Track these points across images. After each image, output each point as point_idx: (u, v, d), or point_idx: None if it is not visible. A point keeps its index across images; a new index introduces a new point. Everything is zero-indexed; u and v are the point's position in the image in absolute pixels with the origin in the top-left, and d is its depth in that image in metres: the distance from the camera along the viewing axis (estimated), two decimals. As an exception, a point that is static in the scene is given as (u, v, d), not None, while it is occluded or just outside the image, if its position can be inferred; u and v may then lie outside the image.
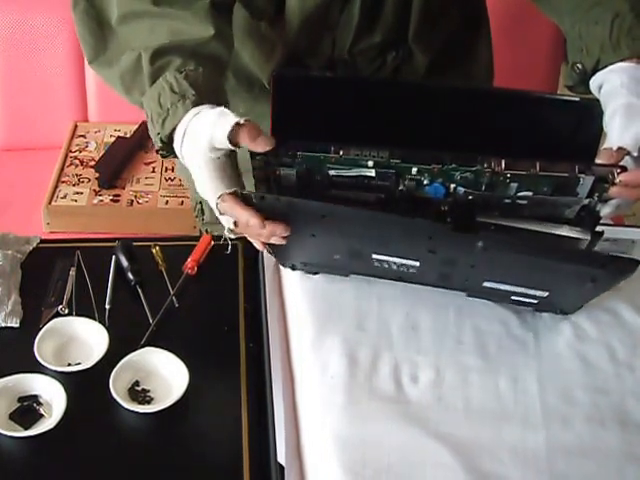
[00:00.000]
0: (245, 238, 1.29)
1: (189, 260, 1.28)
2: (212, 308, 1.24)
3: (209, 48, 1.12)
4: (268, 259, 1.28)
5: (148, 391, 1.09)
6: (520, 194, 1.03)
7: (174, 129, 1.05)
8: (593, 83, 1.12)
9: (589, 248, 1.06)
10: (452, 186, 1.03)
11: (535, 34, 2.01)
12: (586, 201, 1.04)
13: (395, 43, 1.30)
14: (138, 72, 1.10)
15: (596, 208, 1.05)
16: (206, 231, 1.58)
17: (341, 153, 1.02)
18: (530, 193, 1.03)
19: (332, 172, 1.04)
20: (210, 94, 1.06)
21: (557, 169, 1.00)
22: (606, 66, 1.10)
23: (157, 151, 1.10)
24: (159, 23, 1.12)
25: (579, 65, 1.13)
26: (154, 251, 1.31)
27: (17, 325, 1.18)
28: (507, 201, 1.04)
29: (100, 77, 1.20)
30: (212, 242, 1.32)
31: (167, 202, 1.82)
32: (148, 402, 1.08)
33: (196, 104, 1.04)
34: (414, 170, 1.02)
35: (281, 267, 1.27)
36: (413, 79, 1.33)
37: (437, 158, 1.01)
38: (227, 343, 1.17)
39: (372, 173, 1.03)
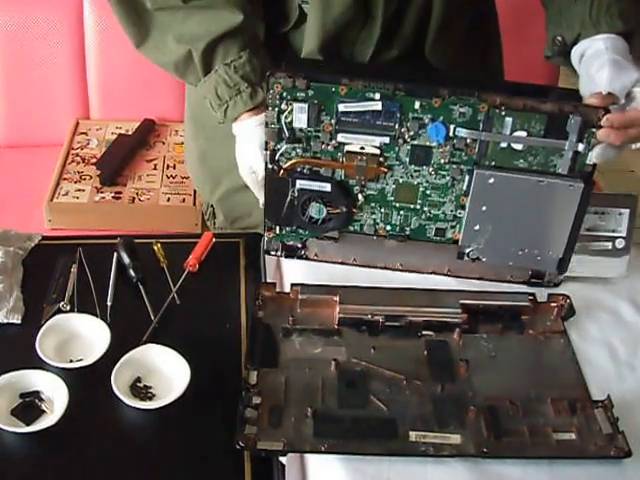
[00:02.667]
0: (246, 235, 1.30)
1: (190, 257, 1.28)
2: (213, 305, 1.24)
3: (244, 30, 1.23)
4: (269, 256, 1.28)
5: (150, 387, 1.09)
6: (515, 134, 1.10)
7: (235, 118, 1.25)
8: (575, 52, 1.19)
9: (583, 199, 1.14)
10: (452, 127, 1.11)
11: (536, 30, 2.00)
12: (577, 146, 1.10)
13: (411, 56, 1.30)
14: (190, 63, 1.25)
15: (586, 160, 1.12)
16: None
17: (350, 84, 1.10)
18: (524, 134, 1.10)
19: (341, 107, 1.11)
20: (259, 78, 1.23)
21: (545, 108, 1.09)
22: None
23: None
24: (190, 16, 1.23)
25: (559, 38, 1.21)
26: (156, 248, 1.31)
27: (19, 321, 1.18)
28: (503, 146, 1.12)
29: (151, 61, 1.30)
30: (214, 239, 1.32)
31: (169, 199, 1.82)
32: (150, 398, 1.08)
33: (251, 96, 1.23)
34: (417, 104, 1.10)
35: (283, 264, 1.28)
36: (407, 66, 1.34)
37: (437, 92, 1.10)
38: (228, 340, 1.18)
39: (378, 106, 1.10)
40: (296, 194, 1.18)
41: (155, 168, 1.93)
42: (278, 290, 1.21)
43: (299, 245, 1.25)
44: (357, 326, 1.16)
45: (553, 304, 1.20)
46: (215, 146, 1.47)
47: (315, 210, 1.19)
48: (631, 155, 3.30)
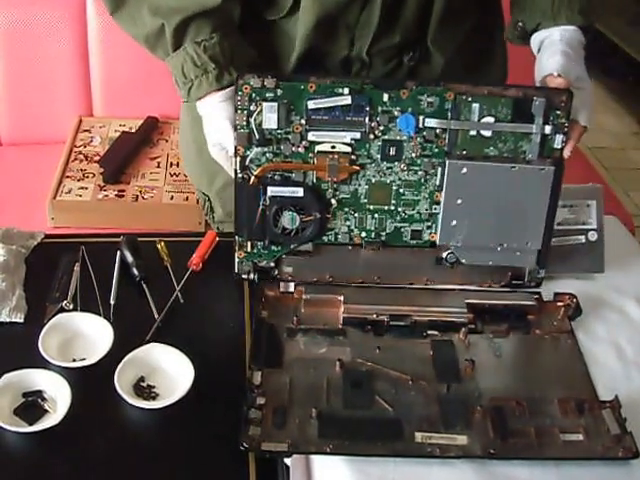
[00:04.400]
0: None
1: (194, 256, 1.27)
2: (217, 304, 1.23)
3: (220, 11, 1.22)
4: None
5: (153, 387, 1.08)
6: (483, 120, 1.13)
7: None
8: (535, 39, 1.27)
9: (554, 183, 1.16)
10: (421, 118, 1.14)
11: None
12: (544, 129, 1.13)
13: (413, 44, 1.30)
14: (161, 36, 1.23)
15: (554, 144, 1.14)
16: (217, 228, 1.56)
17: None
18: (492, 119, 1.12)
19: (311, 104, 1.12)
20: (227, 62, 1.21)
21: (509, 93, 1.13)
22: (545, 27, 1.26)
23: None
24: None
25: (520, 24, 1.29)
26: (159, 247, 1.31)
27: (21, 320, 1.17)
28: (472, 134, 1.15)
29: (123, 30, 1.29)
30: (217, 238, 1.32)
31: (172, 197, 1.81)
32: (153, 398, 1.07)
33: (217, 78, 1.21)
34: (385, 97, 1.13)
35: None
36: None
37: (404, 84, 1.13)
38: (232, 339, 1.17)
39: (348, 100, 1.13)
40: (267, 202, 1.17)
41: (158, 166, 1.92)
42: (282, 290, 1.20)
43: (272, 265, 1.23)
44: (362, 326, 1.15)
45: (559, 303, 1.19)
46: None
47: (288, 219, 1.18)
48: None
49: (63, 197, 1.80)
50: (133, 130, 2.02)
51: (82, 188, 1.83)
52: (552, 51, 1.21)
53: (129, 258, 1.27)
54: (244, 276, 1.23)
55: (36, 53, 2.00)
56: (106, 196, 1.82)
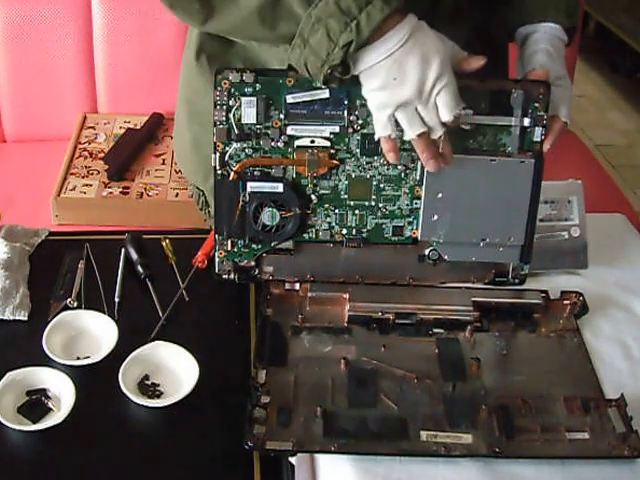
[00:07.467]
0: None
1: (199, 253, 1.27)
2: (222, 302, 1.23)
3: None
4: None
5: (158, 385, 1.08)
6: (462, 112, 1.11)
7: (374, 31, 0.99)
8: (519, 33, 1.27)
9: (535, 176, 1.16)
10: None
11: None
12: (523, 121, 1.13)
13: None
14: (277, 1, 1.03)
15: (534, 137, 1.14)
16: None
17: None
18: (471, 111, 1.11)
19: (289, 98, 1.12)
20: None
21: (487, 86, 1.12)
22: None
23: (326, 77, 1.03)
24: None
25: (507, 19, 1.28)
26: (164, 244, 1.31)
27: (25, 318, 1.17)
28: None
29: (222, 29, 1.14)
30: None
31: (177, 194, 1.81)
32: (158, 396, 1.07)
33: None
34: (364, 90, 1.09)
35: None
36: None
37: None
38: (237, 337, 1.17)
39: (326, 94, 1.12)
40: (247, 198, 1.16)
41: (163, 163, 1.92)
42: (287, 287, 1.20)
43: (252, 264, 1.22)
44: (367, 324, 1.15)
45: (566, 302, 1.19)
46: (209, 133, 1.45)
47: (268, 216, 1.17)
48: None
49: (67, 194, 1.80)
50: (138, 127, 2.02)
51: (86, 185, 1.83)
52: (534, 49, 1.21)
53: (134, 255, 1.27)
54: (224, 276, 1.22)
55: (41, 50, 2.00)
56: (111, 193, 1.82)
